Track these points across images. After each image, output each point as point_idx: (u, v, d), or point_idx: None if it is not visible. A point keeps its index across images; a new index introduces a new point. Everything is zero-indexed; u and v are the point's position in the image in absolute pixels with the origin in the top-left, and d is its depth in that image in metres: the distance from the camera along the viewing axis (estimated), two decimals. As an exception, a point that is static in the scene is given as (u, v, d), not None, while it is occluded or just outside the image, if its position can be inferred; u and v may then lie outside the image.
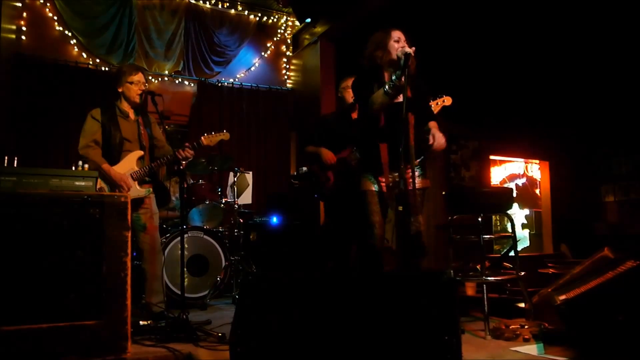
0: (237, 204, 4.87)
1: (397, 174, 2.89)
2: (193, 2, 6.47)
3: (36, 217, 2.40)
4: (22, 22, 5.66)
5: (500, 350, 2.70)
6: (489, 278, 3.24)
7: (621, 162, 6.98)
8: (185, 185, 3.99)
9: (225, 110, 6.59)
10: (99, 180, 3.26)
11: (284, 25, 7.15)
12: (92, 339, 2.38)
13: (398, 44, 2.90)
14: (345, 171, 3.82)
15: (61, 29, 5.85)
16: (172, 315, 3.12)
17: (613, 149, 7.02)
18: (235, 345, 1.85)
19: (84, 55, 5.92)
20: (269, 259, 5.27)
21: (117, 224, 2.53)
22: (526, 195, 7.54)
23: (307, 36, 6.78)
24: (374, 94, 2.89)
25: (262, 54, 7.01)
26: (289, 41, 7.21)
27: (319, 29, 6.39)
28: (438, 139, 2.81)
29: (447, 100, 2.89)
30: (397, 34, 2.94)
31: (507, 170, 7.47)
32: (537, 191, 7.68)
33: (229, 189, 5.08)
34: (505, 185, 7.21)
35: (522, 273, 3.33)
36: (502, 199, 3.49)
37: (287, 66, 7.19)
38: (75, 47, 5.90)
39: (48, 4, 5.80)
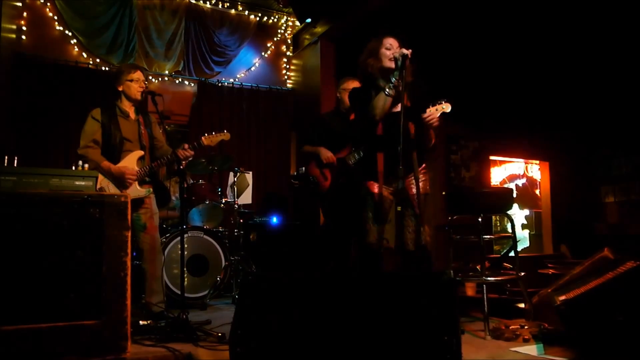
0: (237, 204, 4.87)
1: (397, 181, 2.90)
2: (193, 2, 6.47)
3: (36, 217, 2.40)
4: (23, 22, 5.66)
5: (500, 351, 2.69)
6: (488, 278, 3.24)
7: (621, 162, 6.98)
8: (185, 185, 4.00)
9: (226, 110, 6.59)
10: (99, 180, 3.27)
11: (284, 25, 7.15)
12: (92, 339, 2.38)
13: (389, 51, 2.90)
14: (344, 171, 3.82)
15: (61, 28, 5.85)
16: (172, 315, 3.12)
17: (613, 150, 7.02)
18: (235, 345, 1.85)
19: (84, 55, 5.92)
20: (269, 259, 5.27)
21: (117, 224, 2.53)
22: (526, 196, 7.54)
23: (307, 36, 6.79)
24: (372, 100, 2.90)
25: (263, 54, 7.01)
26: (289, 41, 7.21)
27: (319, 29, 6.39)
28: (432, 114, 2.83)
29: (447, 107, 2.88)
30: (389, 42, 2.94)
31: (507, 171, 7.47)
32: (537, 192, 7.68)
33: (229, 189, 5.08)
34: (505, 186, 7.21)
35: (522, 273, 3.33)
36: (502, 199, 3.49)
37: (288, 66, 7.19)
38: (76, 47, 5.91)
39: (48, 4, 5.80)
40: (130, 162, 3.41)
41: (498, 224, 6.99)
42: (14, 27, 5.56)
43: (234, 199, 4.83)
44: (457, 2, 5.28)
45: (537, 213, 7.67)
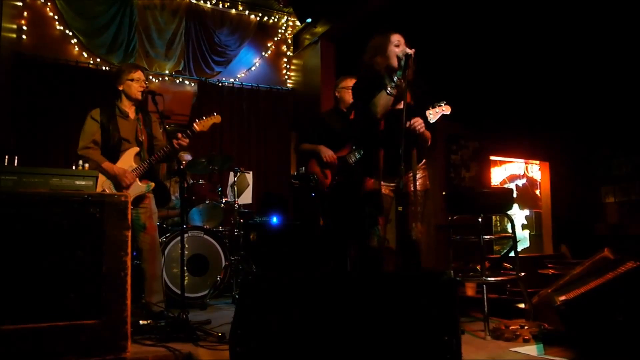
0: (237, 204, 4.87)
1: (398, 178, 2.90)
2: (194, 1, 6.47)
3: (36, 217, 2.40)
4: (23, 22, 5.66)
5: (500, 351, 2.70)
6: (488, 278, 3.24)
7: (621, 162, 6.97)
8: (186, 185, 4.00)
9: (226, 110, 6.58)
10: (101, 181, 3.27)
11: (285, 25, 7.15)
12: (92, 339, 2.38)
13: (398, 48, 2.87)
14: (344, 170, 3.82)
15: (62, 28, 5.85)
16: (172, 315, 3.11)
17: (613, 150, 7.01)
18: (235, 345, 1.85)
19: (85, 54, 5.92)
20: (269, 259, 5.27)
21: (117, 224, 2.53)
22: (526, 196, 7.54)
23: (307, 36, 6.79)
24: (375, 97, 2.89)
25: (263, 53, 7.01)
26: (289, 41, 7.21)
27: (319, 29, 6.39)
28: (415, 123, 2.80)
29: (447, 109, 2.88)
30: (396, 38, 2.90)
31: (507, 171, 7.47)
32: (537, 192, 7.68)
33: (229, 188, 5.08)
34: (506, 186, 7.21)
35: (522, 274, 3.33)
36: (502, 199, 3.49)
37: (288, 66, 7.19)
38: (76, 46, 5.91)
39: (49, 4, 5.79)
40: (127, 160, 3.41)
41: (498, 224, 6.99)
42: (14, 26, 5.56)
43: (234, 198, 4.83)
44: (457, 2, 5.28)
45: (537, 213, 7.67)
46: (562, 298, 2.56)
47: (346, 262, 3.89)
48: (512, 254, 3.53)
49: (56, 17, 5.83)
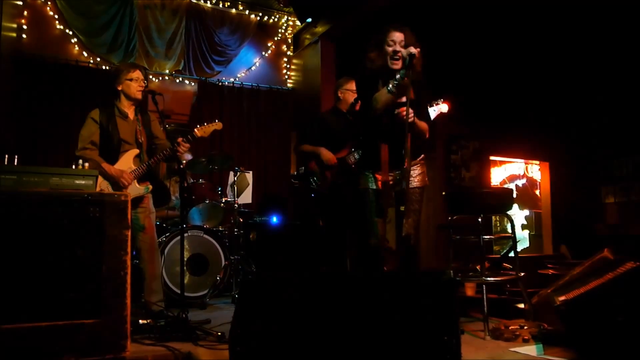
0: (237, 204, 4.87)
1: (397, 172, 2.90)
2: (194, 1, 6.46)
3: (36, 216, 2.40)
4: (23, 21, 5.66)
5: (499, 351, 2.70)
6: (488, 279, 3.24)
7: (621, 163, 6.98)
8: (186, 185, 3.99)
9: (226, 109, 6.59)
10: (99, 182, 3.27)
11: (285, 24, 7.15)
12: (92, 338, 2.38)
13: (390, 48, 2.86)
14: (344, 171, 3.82)
15: (62, 27, 5.84)
16: (172, 314, 3.12)
17: (613, 150, 7.02)
18: (235, 344, 1.85)
19: (85, 54, 5.92)
20: (269, 259, 5.27)
21: (117, 223, 2.53)
22: (526, 196, 7.55)
23: (307, 36, 6.78)
24: (377, 92, 2.88)
25: (263, 53, 7.01)
26: (289, 41, 7.21)
27: (319, 29, 6.39)
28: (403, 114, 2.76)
29: (444, 107, 2.87)
30: (393, 36, 2.88)
31: (507, 171, 7.48)
32: (537, 192, 7.69)
33: (229, 188, 5.08)
34: (505, 186, 7.21)
35: (522, 274, 3.33)
36: (502, 199, 3.49)
37: (288, 66, 7.18)
38: (76, 46, 5.90)
39: (49, 3, 5.79)
40: (126, 162, 3.41)
41: (498, 224, 7.00)
42: (15, 26, 5.56)
43: (234, 198, 4.83)
44: (457, 3, 5.28)
45: (537, 213, 7.67)
46: (562, 298, 2.56)
47: (346, 262, 3.89)
48: (511, 254, 3.53)
49: (56, 16, 5.82)
